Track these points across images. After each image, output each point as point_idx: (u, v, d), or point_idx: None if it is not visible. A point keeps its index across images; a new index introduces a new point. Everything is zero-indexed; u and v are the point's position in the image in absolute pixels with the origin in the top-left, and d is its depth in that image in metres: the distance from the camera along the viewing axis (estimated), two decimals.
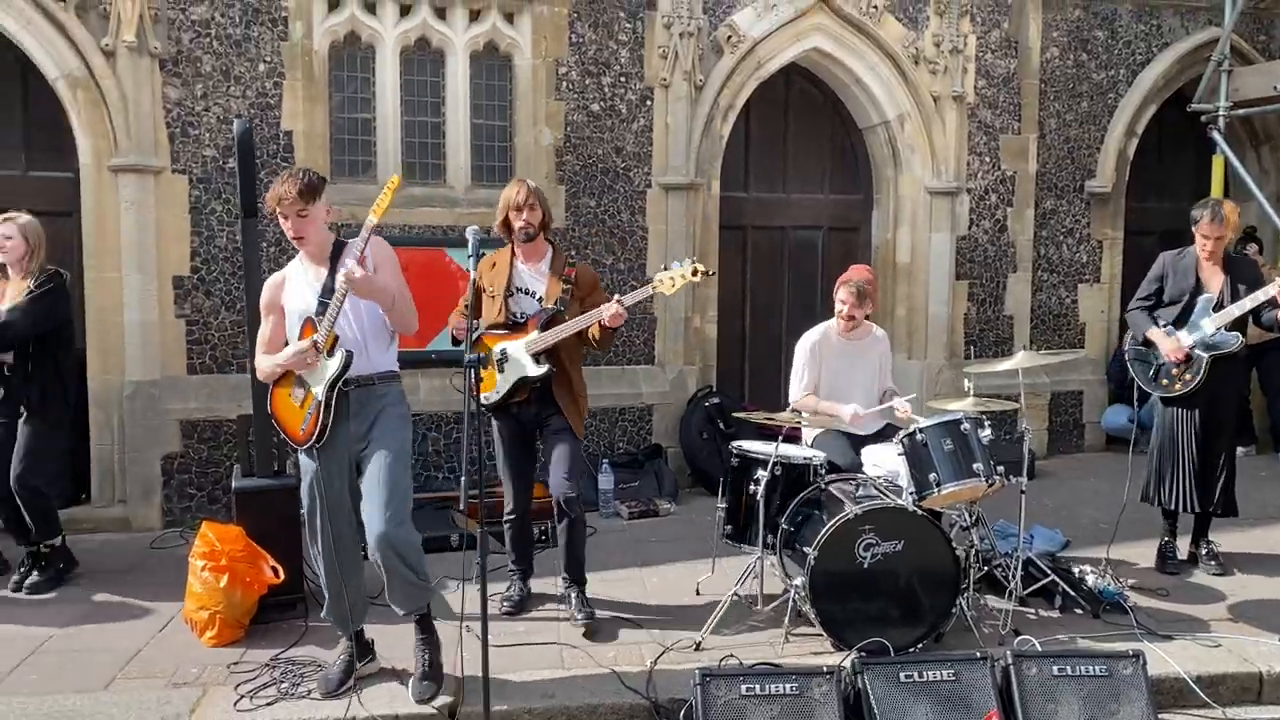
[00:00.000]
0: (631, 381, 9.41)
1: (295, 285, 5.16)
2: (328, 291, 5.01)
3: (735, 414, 7.37)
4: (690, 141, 9.35)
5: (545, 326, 5.92)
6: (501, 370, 5.80)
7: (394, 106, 8.86)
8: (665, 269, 5.76)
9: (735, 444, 6.61)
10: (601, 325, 5.74)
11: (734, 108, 9.66)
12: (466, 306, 5.50)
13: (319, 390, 4.94)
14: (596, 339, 5.80)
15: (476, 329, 5.75)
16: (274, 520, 6.36)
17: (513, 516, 6.35)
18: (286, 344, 5.21)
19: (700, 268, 5.70)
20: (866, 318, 7.04)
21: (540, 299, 5.95)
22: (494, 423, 6.11)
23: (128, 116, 8.18)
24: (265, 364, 5.23)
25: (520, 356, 5.82)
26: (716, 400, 9.38)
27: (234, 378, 8.41)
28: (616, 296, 5.69)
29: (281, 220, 5.02)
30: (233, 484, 6.56)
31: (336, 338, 4.97)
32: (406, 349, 5.81)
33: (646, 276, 8.93)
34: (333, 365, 4.94)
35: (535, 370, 5.84)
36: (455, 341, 5.99)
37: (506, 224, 5.96)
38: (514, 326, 5.90)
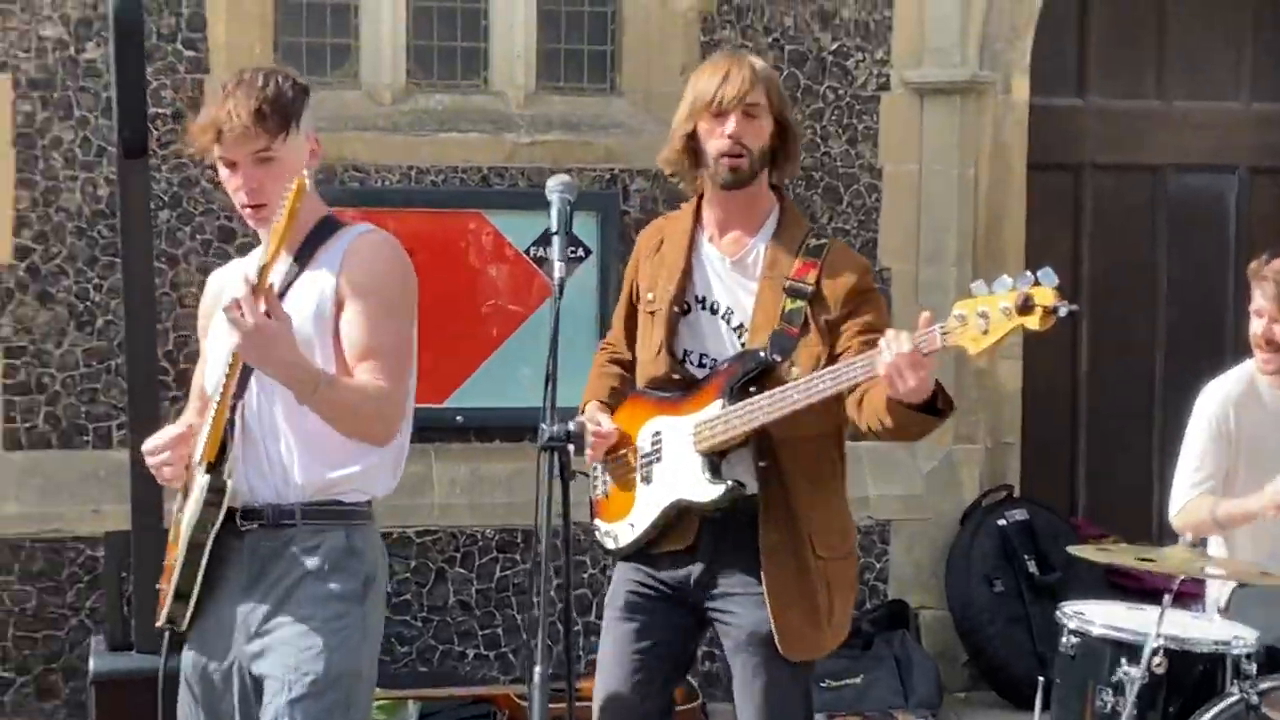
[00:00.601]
0: (850, 475, 6.39)
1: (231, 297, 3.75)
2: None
3: (1068, 546, 5.84)
4: (968, 2, 7.28)
5: (738, 390, 4.09)
6: (647, 479, 4.19)
7: None
8: (972, 296, 3.70)
9: (1067, 609, 5.13)
10: (889, 400, 3.81)
11: None
12: (553, 342, 3.85)
13: (184, 531, 3.80)
14: (886, 424, 3.85)
15: (614, 375, 4.42)
16: None
17: None
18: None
19: (1050, 302, 3.60)
20: None
21: (740, 326, 4.14)
22: (616, 573, 4.48)
23: None
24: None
25: (684, 454, 4.09)
26: (1021, 515, 7.35)
27: (91, 457, 6.67)
28: (894, 336, 3.74)
29: (223, 169, 3.65)
30: (90, 664, 5.62)
31: (223, 444, 3.72)
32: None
33: (923, 307, 6.55)
34: (198, 490, 3.74)
35: (709, 490, 4.06)
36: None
37: (690, 149, 4.12)
38: (686, 386, 4.21)
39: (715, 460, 4.17)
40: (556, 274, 3.80)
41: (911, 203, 7.13)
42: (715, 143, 4.12)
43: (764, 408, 4.11)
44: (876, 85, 7.09)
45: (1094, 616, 5.11)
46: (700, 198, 4.26)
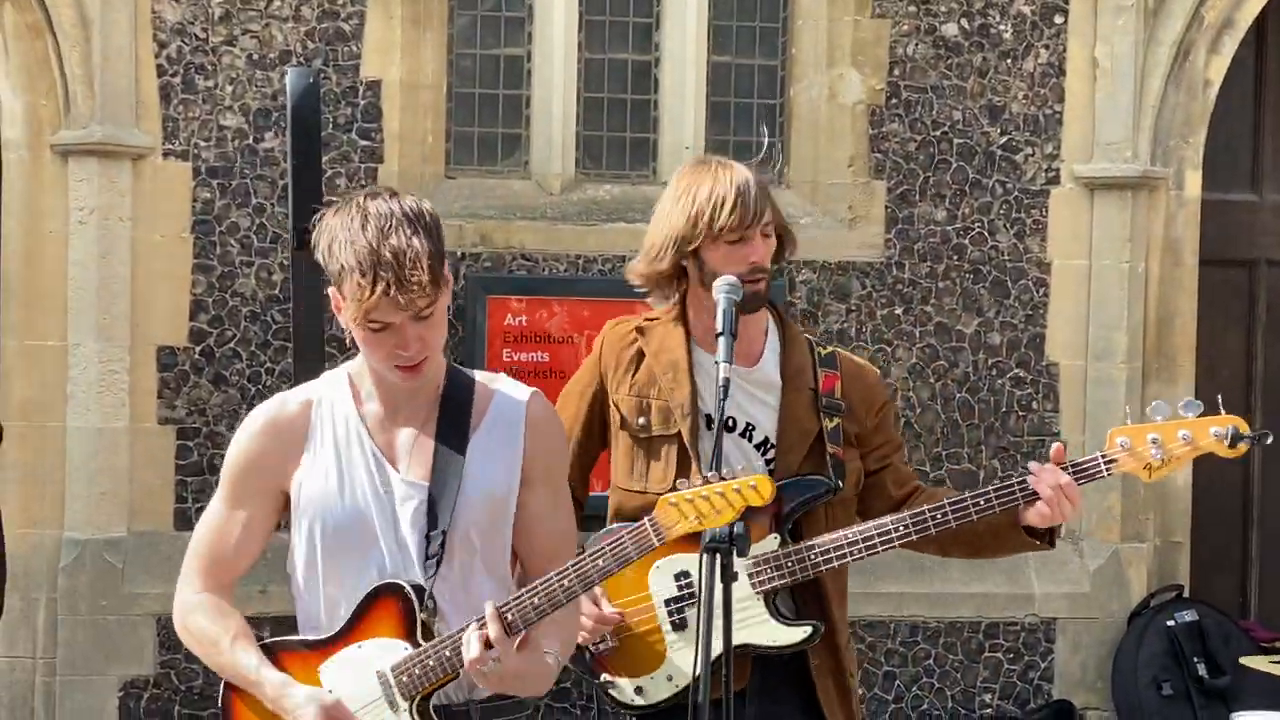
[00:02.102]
0: (1012, 571, 7.29)
1: (338, 462, 3.08)
2: (431, 515, 3.07)
3: (1239, 650, 6.75)
4: (1140, 96, 7.24)
5: (795, 522, 3.80)
6: (680, 626, 3.81)
7: (567, 34, 7.05)
8: (1159, 419, 3.55)
9: (1240, 719, 5.79)
10: (1016, 525, 3.65)
11: (1233, 27, 7.47)
12: (717, 443, 3.47)
13: None
14: (991, 546, 3.79)
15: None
16: None
17: None
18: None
19: (1239, 428, 3.49)
20: None
21: (765, 443, 3.82)
22: None
23: (90, 56, 6.51)
24: (212, 643, 3.08)
25: (735, 595, 3.49)
26: (1190, 616, 7.23)
27: None
28: (1049, 469, 3.62)
29: (362, 331, 2.96)
30: None
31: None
32: None
33: (1091, 403, 7.22)
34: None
35: (789, 634, 3.80)
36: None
37: (686, 262, 3.74)
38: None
39: (783, 599, 3.99)
40: (721, 374, 3.46)
41: (1080, 298, 7.10)
42: (736, 268, 3.77)
43: (837, 546, 3.78)
44: (1046, 179, 7.06)
45: None
46: (682, 305, 3.92)
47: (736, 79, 6.99)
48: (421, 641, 2.98)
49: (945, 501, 3.78)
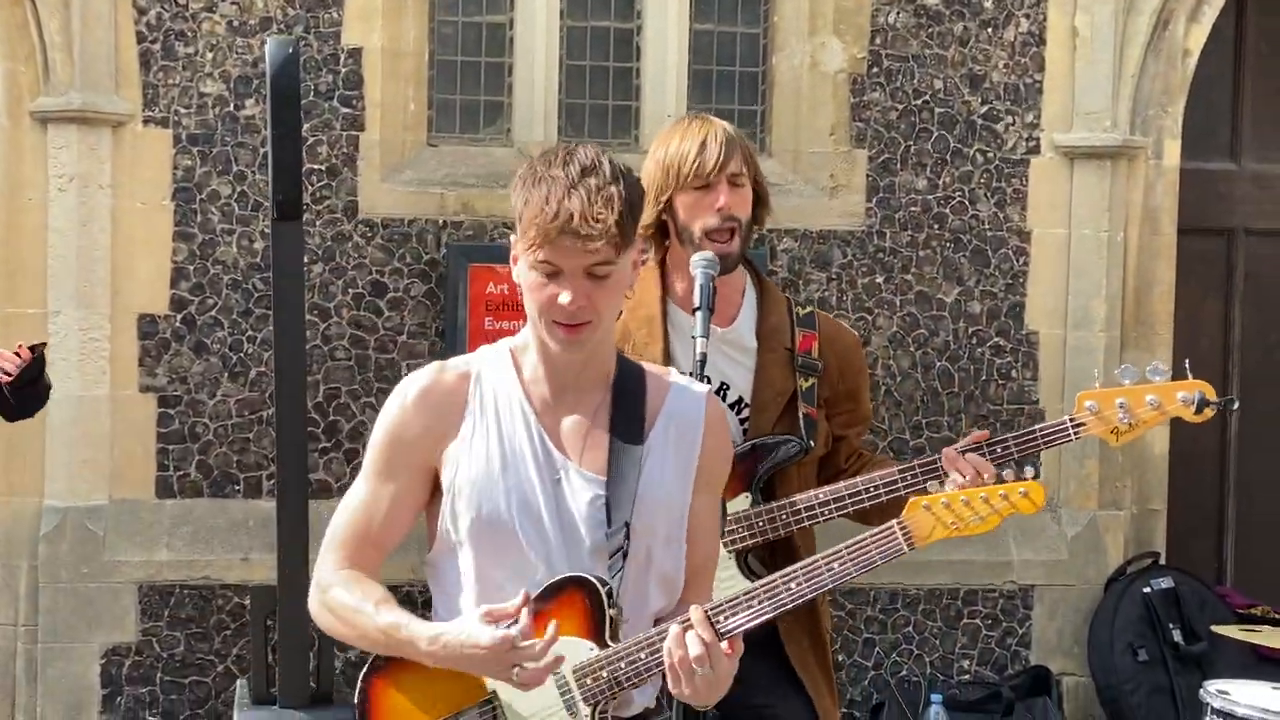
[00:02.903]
0: (990, 539, 6.89)
1: (501, 442, 2.79)
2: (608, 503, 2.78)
3: (1214, 617, 6.73)
4: (1119, 65, 7.20)
5: (768, 487, 3.80)
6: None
7: (549, 1, 7.03)
8: (1127, 382, 3.65)
9: (1211, 688, 5.13)
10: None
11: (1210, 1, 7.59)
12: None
13: None
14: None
15: None
16: None
17: None
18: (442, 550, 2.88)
19: (1205, 393, 3.61)
20: None
21: (740, 403, 3.82)
22: None
23: (69, 23, 6.43)
24: (355, 610, 2.79)
25: None
26: (1166, 583, 7.23)
27: (241, 506, 6.69)
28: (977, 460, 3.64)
29: (533, 273, 2.70)
30: (234, 715, 5.72)
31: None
32: None
33: (1070, 371, 7.11)
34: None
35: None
36: None
37: (665, 216, 3.77)
38: None
39: (754, 558, 3.97)
40: (698, 349, 3.52)
41: (1060, 267, 7.12)
42: (703, 219, 3.81)
43: (809, 510, 3.90)
44: (1026, 149, 7.04)
45: (1238, 696, 5.02)
46: (662, 265, 3.93)
47: (718, 47, 6.94)
48: (610, 642, 2.74)
49: (915, 464, 3.80)
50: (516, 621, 2.63)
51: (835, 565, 2.87)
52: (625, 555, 2.78)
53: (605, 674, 2.70)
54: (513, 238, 2.71)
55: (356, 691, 2.93)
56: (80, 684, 6.49)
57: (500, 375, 2.76)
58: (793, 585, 2.85)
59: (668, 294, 3.84)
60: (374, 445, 2.81)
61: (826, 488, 3.75)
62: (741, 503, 3.84)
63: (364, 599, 2.73)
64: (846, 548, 2.86)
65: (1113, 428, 3.69)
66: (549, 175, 2.65)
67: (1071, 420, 3.69)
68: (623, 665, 2.69)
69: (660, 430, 2.82)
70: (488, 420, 2.77)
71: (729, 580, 3.76)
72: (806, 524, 3.79)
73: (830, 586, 2.93)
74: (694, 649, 2.62)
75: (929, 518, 2.89)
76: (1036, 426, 3.76)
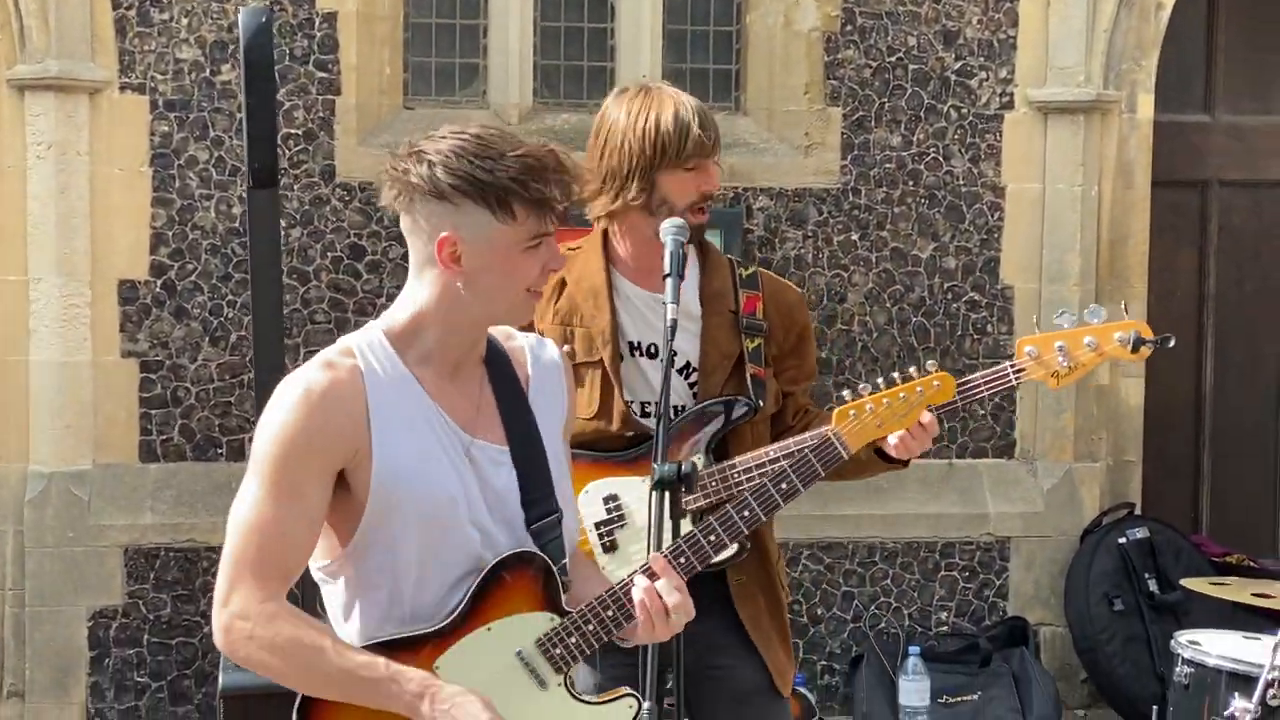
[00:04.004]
0: (966, 491, 7.38)
1: (409, 433, 2.71)
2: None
3: (1187, 569, 6.76)
4: (1093, 19, 7.22)
5: (718, 446, 3.78)
6: (611, 548, 3.79)
7: None
8: (1063, 326, 3.58)
9: (1182, 638, 5.17)
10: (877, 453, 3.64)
11: None
12: (665, 382, 3.37)
13: None
14: (853, 473, 3.75)
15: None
16: None
17: None
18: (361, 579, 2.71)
19: (1140, 332, 3.51)
20: None
21: (687, 368, 3.80)
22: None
23: None
24: (314, 650, 2.58)
25: (664, 517, 3.39)
26: (1141, 533, 7.25)
27: (224, 469, 6.70)
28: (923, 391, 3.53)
29: (525, 253, 2.69)
30: (219, 676, 5.26)
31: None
32: None
33: (1045, 326, 5.99)
34: None
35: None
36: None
37: (644, 199, 3.69)
38: (636, 442, 3.78)
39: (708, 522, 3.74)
40: (669, 315, 3.48)
41: (1034, 221, 7.12)
42: (689, 197, 3.81)
43: (760, 460, 3.87)
44: (1000, 104, 7.05)
45: (1209, 647, 5.06)
46: (605, 234, 3.90)
47: (693, 6, 6.91)
48: (569, 609, 2.73)
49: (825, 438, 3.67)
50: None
51: (783, 485, 3.11)
52: (560, 518, 2.80)
53: (575, 639, 2.68)
54: (444, 235, 2.65)
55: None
56: (68, 647, 6.53)
57: (384, 363, 2.66)
58: (745, 513, 3.04)
59: (610, 263, 3.86)
60: (271, 459, 2.58)
61: (776, 444, 3.78)
62: (690, 459, 3.82)
63: (321, 635, 2.60)
64: (790, 466, 3.09)
65: (1053, 371, 3.70)
66: (511, 155, 2.65)
67: (1012, 366, 3.70)
68: (593, 626, 2.68)
69: (535, 390, 2.84)
70: (389, 411, 2.68)
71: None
72: (758, 480, 3.78)
73: (781, 505, 3.18)
74: (671, 597, 2.67)
75: (857, 423, 3.23)
76: (978, 374, 3.76)
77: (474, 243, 2.58)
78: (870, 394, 3.43)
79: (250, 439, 5.98)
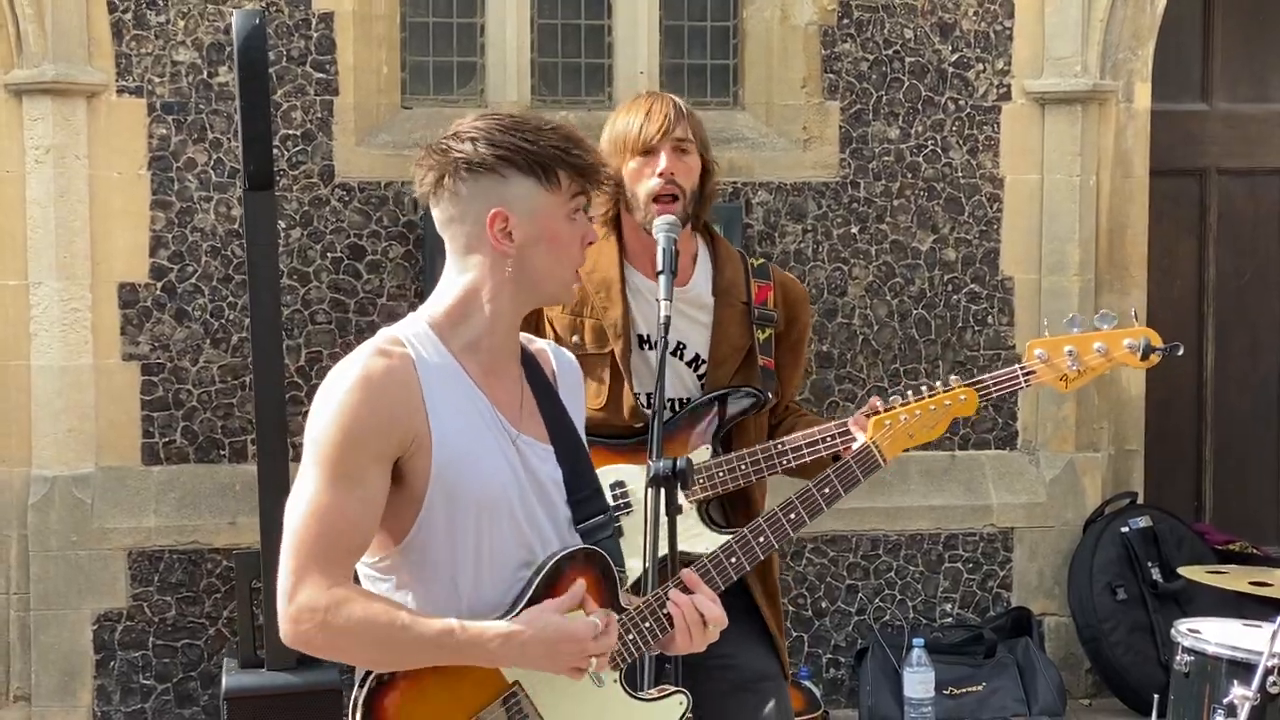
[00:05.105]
0: (969, 483, 7.34)
1: (463, 423, 2.67)
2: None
3: (1187, 559, 6.68)
4: (1088, 9, 7.18)
5: (724, 437, 3.87)
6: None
7: None
8: (1076, 328, 3.74)
9: (1182, 627, 5.08)
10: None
11: None
12: (660, 378, 3.46)
13: None
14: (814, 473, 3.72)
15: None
16: None
17: None
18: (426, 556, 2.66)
19: (1150, 340, 3.68)
20: None
21: (696, 360, 3.85)
22: None
23: None
24: (387, 626, 2.55)
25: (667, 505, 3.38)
26: (1144, 522, 7.21)
27: (227, 471, 6.69)
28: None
29: (569, 223, 2.69)
30: (223, 679, 5.66)
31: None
32: None
33: (1045, 316, 6.70)
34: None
35: (715, 539, 3.67)
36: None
37: (623, 196, 3.83)
38: (642, 431, 3.82)
39: (714, 507, 4.00)
40: (662, 312, 3.53)
41: (1033, 212, 7.08)
42: (647, 183, 3.85)
43: (768, 455, 3.93)
44: (997, 95, 7.00)
45: (1209, 635, 5.05)
46: (618, 228, 3.94)
47: (690, 2, 6.87)
48: (626, 608, 2.75)
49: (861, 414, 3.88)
50: (586, 610, 2.65)
51: (825, 490, 3.32)
52: (610, 518, 2.81)
53: (631, 637, 2.68)
54: (494, 211, 2.64)
55: (356, 705, 2.72)
56: (73, 650, 6.50)
57: (432, 352, 2.64)
58: (791, 515, 3.25)
59: (623, 256, 3.86)
60: (330, 445, 2.54)
61: (784, 437, 3.84)
62: (702, 454, 3.87)
63: (396, 610, 2.57)
64: (834, 472, 3.32)
65: (1062, 375, 3.77)
66: (553, 133, 2.68)
67: (1022, 368, 3.76)
68: (647, 624, 2.69)
69: (563, 390, 2.84)
70: (445, 398, 2.65)
71: (694, 530, 3.82)
72: (766, 473, 3.84)
73: (825, 510, 3.36)
74: (711, 610, 2.71)
75: (891, 433, 3.48)
76: (988, 375, 3.82)
77: (523, 215, 2.58)
78: (902, 404, 3.64)
79: (253, 439, 6.13)
